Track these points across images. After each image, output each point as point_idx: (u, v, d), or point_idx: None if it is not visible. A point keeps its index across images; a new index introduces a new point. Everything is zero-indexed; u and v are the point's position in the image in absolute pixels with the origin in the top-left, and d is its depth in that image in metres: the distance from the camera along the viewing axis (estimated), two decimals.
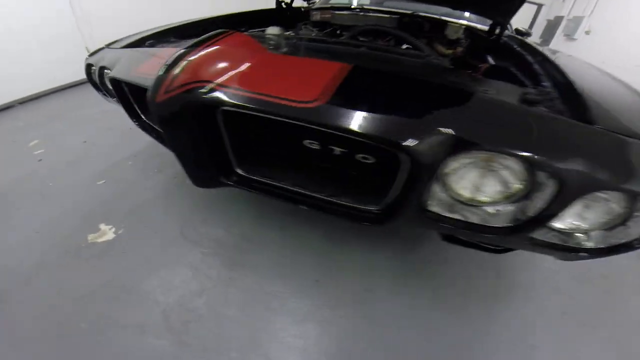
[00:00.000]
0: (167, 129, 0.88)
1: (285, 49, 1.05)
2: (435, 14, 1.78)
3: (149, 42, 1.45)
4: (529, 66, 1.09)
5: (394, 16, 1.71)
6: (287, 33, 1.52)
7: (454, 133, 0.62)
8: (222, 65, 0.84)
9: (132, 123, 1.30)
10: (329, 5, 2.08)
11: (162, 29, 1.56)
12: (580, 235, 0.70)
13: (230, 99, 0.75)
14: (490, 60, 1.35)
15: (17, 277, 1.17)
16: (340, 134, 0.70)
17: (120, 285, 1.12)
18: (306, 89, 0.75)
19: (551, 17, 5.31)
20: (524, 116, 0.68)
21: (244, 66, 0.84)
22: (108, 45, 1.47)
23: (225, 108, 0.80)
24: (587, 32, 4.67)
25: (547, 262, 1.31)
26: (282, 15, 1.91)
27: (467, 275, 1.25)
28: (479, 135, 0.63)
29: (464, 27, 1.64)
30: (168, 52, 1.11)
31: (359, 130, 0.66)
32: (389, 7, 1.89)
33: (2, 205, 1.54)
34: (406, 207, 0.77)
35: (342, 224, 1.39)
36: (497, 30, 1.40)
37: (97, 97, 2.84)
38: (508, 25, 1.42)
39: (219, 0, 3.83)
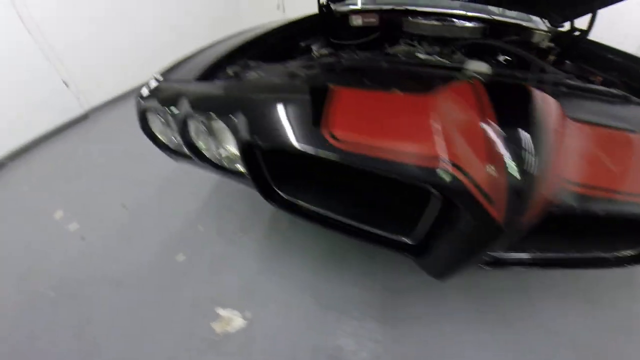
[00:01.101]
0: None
1: None
2: (496, 17, 1.67)
3: (230, 69, 1.17)
4: None
5: (479, 24, 1.58)
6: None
7: None
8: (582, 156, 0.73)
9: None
10: (368, 8, 1.87)
11: (227, 50, 1.27)
12: None
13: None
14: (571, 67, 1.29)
15: None
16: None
17: None
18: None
19: None
20: None
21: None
22: (164, 77, 1.11)
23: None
24: None
25: None
26: (325, 21, 1.75)
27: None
28: None
29: (550, 34, 1.50)
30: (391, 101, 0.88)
31: None
32: (445, 9, 1.73)
33: (72, 300, 1.30)
34: None
35: None
36: (577, 33, 1.32)
37: (98, 141, 2.42)
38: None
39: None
